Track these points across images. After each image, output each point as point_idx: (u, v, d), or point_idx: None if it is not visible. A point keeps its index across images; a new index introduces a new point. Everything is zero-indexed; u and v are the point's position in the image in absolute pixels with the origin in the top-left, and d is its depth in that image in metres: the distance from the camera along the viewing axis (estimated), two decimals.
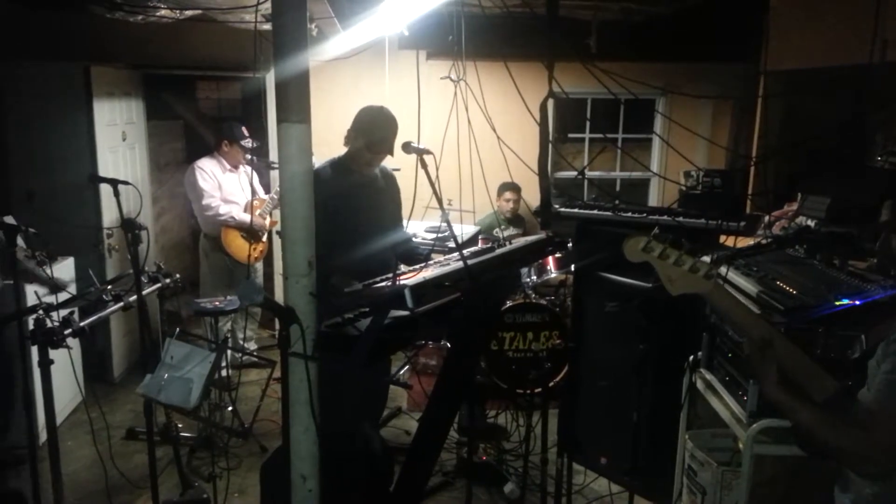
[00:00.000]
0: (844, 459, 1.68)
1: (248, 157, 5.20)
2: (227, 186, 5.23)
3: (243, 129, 5.25)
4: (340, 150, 3.57)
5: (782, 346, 1.74)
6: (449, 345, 3.93)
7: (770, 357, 1.72)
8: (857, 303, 2.25)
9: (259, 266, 5.61)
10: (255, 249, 5.29)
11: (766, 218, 3.64)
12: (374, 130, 3.43)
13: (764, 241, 3.10)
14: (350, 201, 3.44)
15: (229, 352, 4.71)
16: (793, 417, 1.71)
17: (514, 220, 5.88)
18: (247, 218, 5.18)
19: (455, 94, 2.88)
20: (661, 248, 1.77)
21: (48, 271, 3.41)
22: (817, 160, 4.68)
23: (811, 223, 3.54)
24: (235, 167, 5.31)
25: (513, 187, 5.68)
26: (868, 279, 2.42)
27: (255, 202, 5.28)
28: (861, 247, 2.89)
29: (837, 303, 2.25)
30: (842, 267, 2.63)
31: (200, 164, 5.18)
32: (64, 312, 3.13)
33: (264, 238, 5.42)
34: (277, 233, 5.42)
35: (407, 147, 2.82)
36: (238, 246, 5.18)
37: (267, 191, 5.60)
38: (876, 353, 1.66)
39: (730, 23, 5.30)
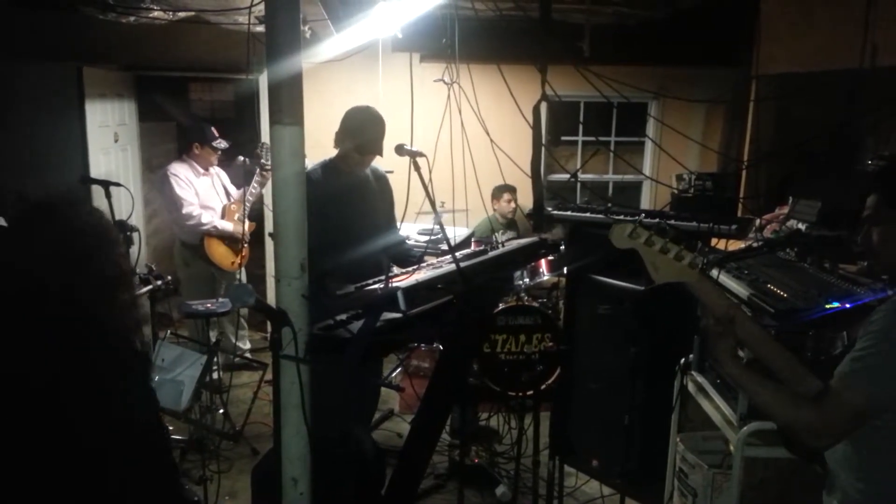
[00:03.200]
0: (801, 432, 1.69)
1: (242, 158, 5.14)
2: (202, 192, 5.09)
3: (213, 130, 5.12)
4: (333, 152, 3.57)
5: (765, 343, 1.75)
6: (441, 347, 3.93)
7: (730, 332, 1.73)
8: (848, 306, 2.26)
9: (242, 272, 5.54)
10: (238, 255, 5.15)
11: (758, 221, 3.66)
12: (361, 132, 3.42)
13: (755, 245, 3.11)
14: (342, 203, 3.43)
15: (221, 354, 4.69)
16: (749, 393, 1.74)
17: (510, 223, 5.89)
18: (228, 226, 5.09)
19: (448, 96, 2.89)
20: (647, 234, 1.77)
21: None
22: (808, 164, 4.71)
23: (802, 227, 3.55)
24: (207, 169, 5.17)
25: (511, 189, 5.70)
26: (858, 282, 2.44)
27: (233, 206, 5.20)
28: (851, 250, 2.90)
29: (828, 306, 2.27)
30: (832, 270, 2.65)
31: (174, 171, 4.98)
32: None
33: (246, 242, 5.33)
34: (270, 234, 5.39)
35: (400, 149, 2.82)
36: (221, 254, 5.09)
37: (239, 187, 5.40)
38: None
39: (722, 27, 5.33)
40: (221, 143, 5.11)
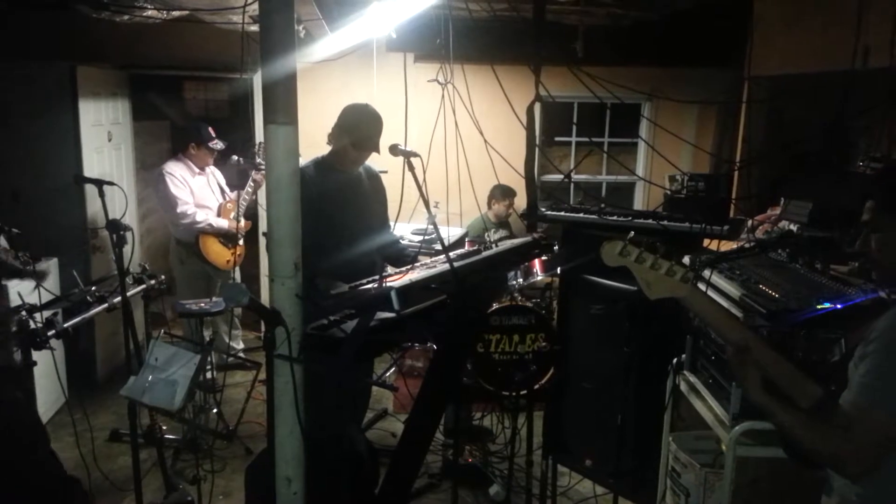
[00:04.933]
0: (827, 462, 1.70)
1: (236, 158, 5.13)
2: (198, 191, 5.10)
3: (210, 130, 5.13)
4: (327, 151, 3.56)
5: (763, 351, 1.75)
6: (435, 347, 3.93)
7: (749, 360, 1.73)
8: (839, 306, 2.27)
9: (237, 271, 5.53)
10: (233, 254, 5.15)
11: (750, 222, 3.67)
12: (359, 128, 3.42)
13: (747, 245, 3.13)
14: (334, 201, 3.42)
15: (214, 353, 4.68)
16: (775, 421, 1.73)
17: (503, 223, 5.90)
18: (223, 223, 5.09)
19: (442, 96, 2.90)
20: (637, 252, 1.78)
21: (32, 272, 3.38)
22: (800, 165, 4.73)
23: (794, 227, 3.57)
24: (202, 169, 5.18)
25: (511, 193, 5.71)
26: (849, 283, 2.46)
27: (229, 205, 5.19)
28: (842, 251, 2.92)
29: (819, 306, 2.28)
30: (823, 271, 2.66)
31: (169, 170, 5.00)
32: (47, 313, 3.11)
33: (241, 241, 5.32)
34: (264, 234, 5.38)
35: (394, 149, 2.83)
36: (217, 252, 5.09)
37: (233, 189, 5.39)
38: (854, 355, 1.68)
39: (715, 28, 5.34)
40: (217, 144, 5.12)
